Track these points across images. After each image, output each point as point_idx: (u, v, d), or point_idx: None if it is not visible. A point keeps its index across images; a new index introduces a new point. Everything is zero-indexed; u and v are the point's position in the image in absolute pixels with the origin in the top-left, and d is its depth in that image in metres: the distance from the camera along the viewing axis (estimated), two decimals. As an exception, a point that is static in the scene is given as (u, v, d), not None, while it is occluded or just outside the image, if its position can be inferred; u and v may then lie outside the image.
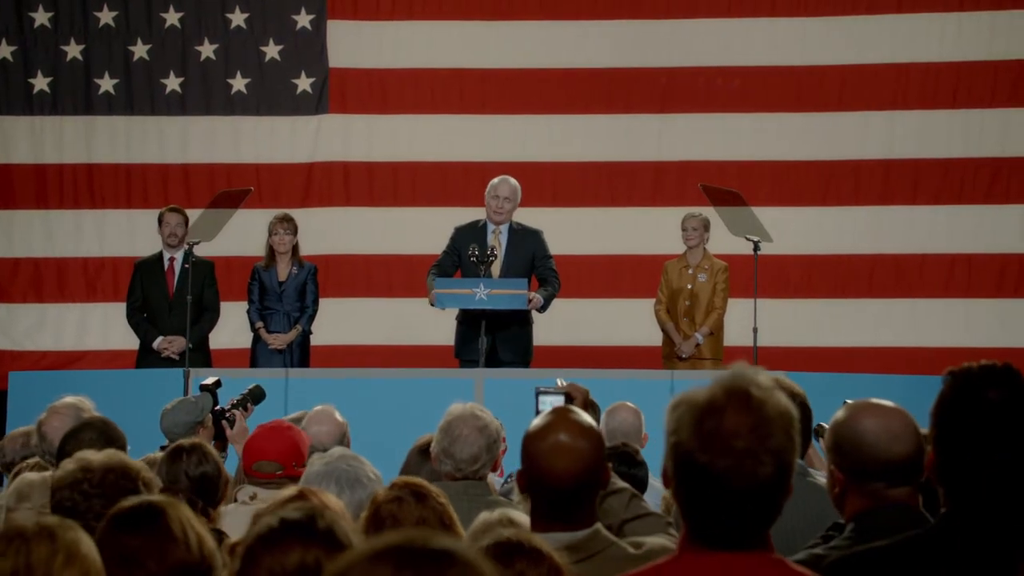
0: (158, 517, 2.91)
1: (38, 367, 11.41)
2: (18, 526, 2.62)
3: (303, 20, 12.07)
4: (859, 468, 3.16)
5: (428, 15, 12.00)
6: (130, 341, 10.44)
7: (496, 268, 9.25)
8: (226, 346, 10.73)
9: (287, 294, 10.09)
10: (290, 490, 3.41)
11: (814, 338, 11.46)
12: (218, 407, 6.47)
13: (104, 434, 4.61)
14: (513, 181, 9.52)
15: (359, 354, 11.38)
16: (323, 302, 10.29)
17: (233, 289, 10.61)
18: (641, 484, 4.69)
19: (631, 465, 4.83)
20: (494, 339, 9.06)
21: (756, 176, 11.55)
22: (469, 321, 9.20)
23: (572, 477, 3.10)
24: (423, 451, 5.03)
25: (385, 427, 7.28)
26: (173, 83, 12.05)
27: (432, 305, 9.08)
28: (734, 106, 11.73)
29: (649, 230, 11.45)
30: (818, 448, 5.06)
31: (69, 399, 5.62)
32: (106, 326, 11.63)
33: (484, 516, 3.26)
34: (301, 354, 10.06)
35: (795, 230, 11.33)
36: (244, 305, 10.21)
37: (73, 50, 12.07)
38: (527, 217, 9.68)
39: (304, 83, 12.05)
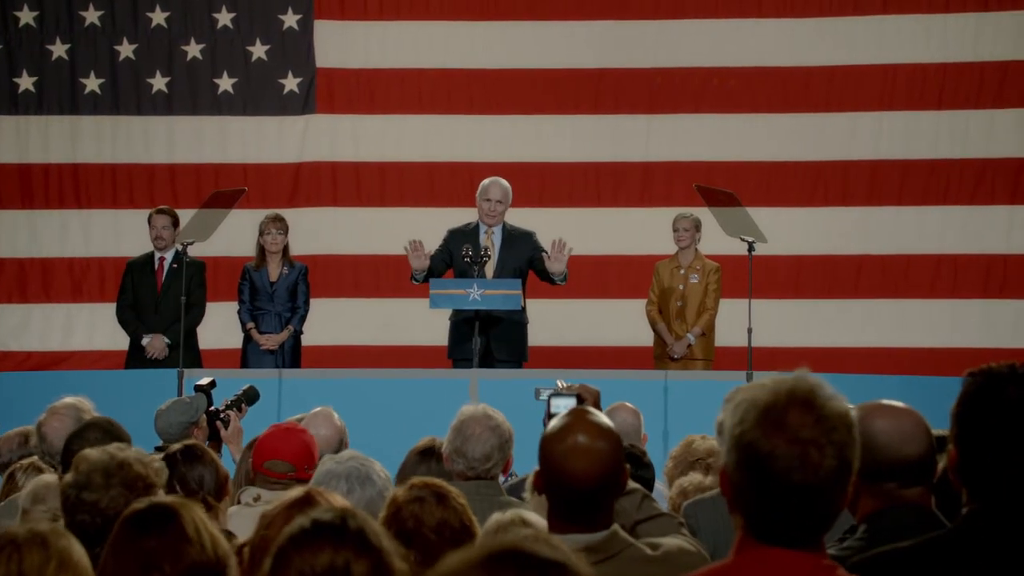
0: (172, 518, 2.92)
1: (23, 368, 11.36)
2: (10, 533, 2.64)
3: (290, 20, 12.04)
4: (871, 469, 3.14)
5: (415, 15, 11.98)
6: (117, 342, 10.40)
7: (489, 269, 9.25)
8: (214, 346, 10.68)
9: (278, 294, 10.05)
10: (296, 491, 3.39)
11: (801, 338, 11.47)
12: (212, 408, 6.45)
13: (109, 433, 4.60)
14: (504, 182, 9.50)
15: (349, 354, 11.36)
16: (311, 302, 10.26)
17: (220, 289, 10.58)
18: (647, 485, 4.69)
19: (638, 466, 4.81)
20: (488, 339, 9.06)
21: (744, 177, 11.55)
22: (463, 321, 9.19)
23: (591, 479, 3.09)
24: (422, 453, 5.02)
25: (380, 428, 7.25)
26: (159, 83, 12.00)
27: (412, 280, 9.09)
28: (722, 107, 11.75)
29: (638, 230, 11.46)
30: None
31: (68, 400, 5.59)
32: (92, 327, 11.60)
33: (497, 516, 3.26)
34: (292, 355, 10.04)
35: (783, 231, 11.33)
36: (233, 305, 10.17)
37: (59, 49, 12.02)
38: (515, 218, 9.66)
39: (291, 83, 12.01)
